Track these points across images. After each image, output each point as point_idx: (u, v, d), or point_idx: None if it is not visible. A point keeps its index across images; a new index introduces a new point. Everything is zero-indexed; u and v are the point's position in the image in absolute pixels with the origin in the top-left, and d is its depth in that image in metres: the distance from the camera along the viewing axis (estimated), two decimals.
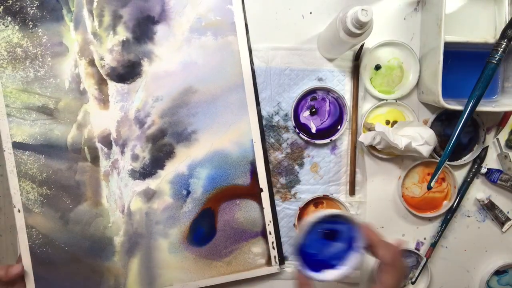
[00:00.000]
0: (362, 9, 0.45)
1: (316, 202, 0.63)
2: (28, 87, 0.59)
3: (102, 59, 0.59)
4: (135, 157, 0.60)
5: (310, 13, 0.61)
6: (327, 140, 0.61)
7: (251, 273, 0.62)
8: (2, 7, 0.58)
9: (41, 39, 0.58)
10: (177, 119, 0.60)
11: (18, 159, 0.59)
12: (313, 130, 0.62)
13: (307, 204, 0.62)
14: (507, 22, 0.53)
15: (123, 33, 0.59)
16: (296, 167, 0.63)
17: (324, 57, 0.61)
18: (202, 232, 0.61)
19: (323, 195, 0.61)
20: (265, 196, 0.61)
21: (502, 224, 0.64)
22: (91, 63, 0.59)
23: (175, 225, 0.61)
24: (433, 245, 0.63)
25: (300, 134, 0.61)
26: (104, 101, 0.60)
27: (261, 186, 0.61)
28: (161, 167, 0.61)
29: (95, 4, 0.59)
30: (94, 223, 0.60)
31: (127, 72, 0.60)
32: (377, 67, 0.61)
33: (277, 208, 0.63)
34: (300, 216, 0.62)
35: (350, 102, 0.62)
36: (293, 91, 0.62)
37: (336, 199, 0.61)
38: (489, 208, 0.63)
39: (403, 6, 0.62)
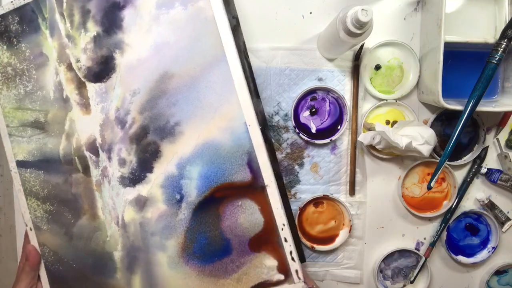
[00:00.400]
0: (362, 9, 0.45)
1: (316, 202, 0.63)
2: (21, 104, 0.58)
3: (78, 61, 0.56)
4: (122, 162, 0.56)
5: (310, 13, 0.61)
6: (327, 140, 0.61)
7: None
8: None
9: (25, 54, 0.57)
10: (158, 112, 0.54)
11: (22, 178, 0.58)
12: (313, 130, 0.62)
13: (307, 204, 0.62)
14: (507, 22, 0.53)
15: (93, 29, 0.55)
16: (296, 167, 0.63)
17: (324, 57, 0.61)
18: (203, 243, 0.53)
19: (323, 195, 0.61)
20: (272, 192, 0.50)
21: (502, 224, 0.64)
22: (69, 67, 0.57)
23: (172, 236, 0.54)
24: (432, 245, 0.63)
25: (300, 134, 0.61)
26: (85, 105, 0.57)
27: (265, 181, 0.50)
28: (150, 170, 0.55)
29: (64, 5, 0.56)
30: (94, 237, 0.57)
31: (102, 70, 0.56)
32: (377, 67, 0.61)
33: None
34: (300, 216, 0.62)
35: (350, 102, 0.62)
36: (293, 91, 0.62)
37: (337, 199, 0.61)
38: (489, 208, 0.63)
39: (403, 6, 0.62)
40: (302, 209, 0.62)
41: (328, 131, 0.61)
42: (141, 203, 0.55)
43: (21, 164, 0.58)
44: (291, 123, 0.61)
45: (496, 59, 0.52)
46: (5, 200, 0.62)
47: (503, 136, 0.63)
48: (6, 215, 0.62)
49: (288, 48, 0.61)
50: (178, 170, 0.53)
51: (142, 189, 0.55)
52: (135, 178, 0.55)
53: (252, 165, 0.51)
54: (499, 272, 0.65)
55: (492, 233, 0.64)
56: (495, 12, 0.59)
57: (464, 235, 0.64)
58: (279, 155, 0.62)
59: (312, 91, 0.61)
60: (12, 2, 0.57)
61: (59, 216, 0.58)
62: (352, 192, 0.63)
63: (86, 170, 0.57)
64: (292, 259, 0.50)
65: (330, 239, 0.63)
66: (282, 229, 0.50)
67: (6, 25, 0.57)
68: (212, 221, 0.53)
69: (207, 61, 0.51)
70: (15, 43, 0.57)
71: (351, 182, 0.63)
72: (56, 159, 0.57)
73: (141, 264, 0.56)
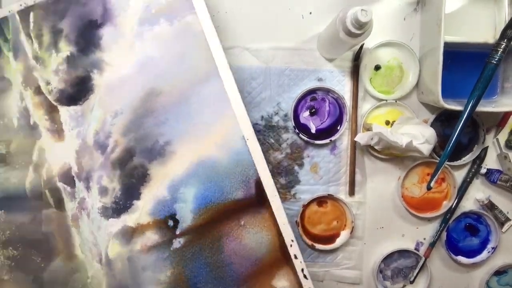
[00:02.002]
0: (362, 9, 0.45)
1: (320, 201, 0.63)
2: None
3: (48, 83, 0.52)
4: (103, 191, 0.51)
5: (310, 13, 0.61)
6: (327, 141, 0.61)
7: None
8: None
9: None
10: (144, 133, 0.50)
11: None
12: (313, 131, 0.62)
13: (311, 202, 0.62)
14: (507, 22, 0.53)
15: (66, 48, 0.52)
16: (296, 167, 0.63)
17: (324, 57, 0.61)
18: (205, 272, 0.48)
19: (328, 194, 0.61)
20: (277, 207, 0.47)
21: (501, 224, 0.64)
22: (37, 91, 0.52)
23: (167, 268, 0.49)
24: (432, 245, 0.63)
25: (300, 135, 0.61)
26: (58, 131, 0.52)
27: (268, 196, 0.47)
28: (137, 196, 0.50)
29: (31, 25, 0.52)
30: (72, 280, 0.51)
31: (78, 91, 0.52)
32: (377, 67, 0.61)
33: None
34: (302, 214, 0.62)
35: (349, 103, 0.62)
36: (293, 91, 0.62)
37: (341, 199, 0.61)
38: (489, 208, 0.63)
39: (402, 6, 0.62)
40: (306, 207, 0.62)
41: (328, 132, 0.61)
42: (128, 235, 0.50)
43: None
44: (290, 124, 0.61)
45: (496, 59, 0.52)
46: None
47: (503, 136, 0.63)
48: None
49: (288, 48, 0.61)
50: (170, 193, 0.49)
51: (128, 219, 0.50)
52: (119, 207, 0.50)
53: (253, 180, 0.48)
54: (498, 273, 0.65)
55: (492, 234, 0.64)
56: (495, 12, 0.59)
57: (464, 235, 0.64)
58: (279, 156, 0.62)
59: (312, 91, 0.61)
60: None
61: (25, 261, 0.51)
62: (352, 192, 0.63)
63: (59, 204, 0.51)
64: (304, 276, 0.47)
65: (330, 238, 0.63)
66: (291, 245, 0.47)
67: None
68: (213, 246, 0.48)
69: (197, 76, 0.49)
70: None
71: (351, 183, 0.63)
72: (21, 195, 0.51)
73: None
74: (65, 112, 0.52)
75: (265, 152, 0.62)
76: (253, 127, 0.59)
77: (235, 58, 0.61)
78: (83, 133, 0.51)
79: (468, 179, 0.63)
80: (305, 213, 0.62)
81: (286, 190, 0.63)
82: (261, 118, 0.62)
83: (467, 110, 0.53)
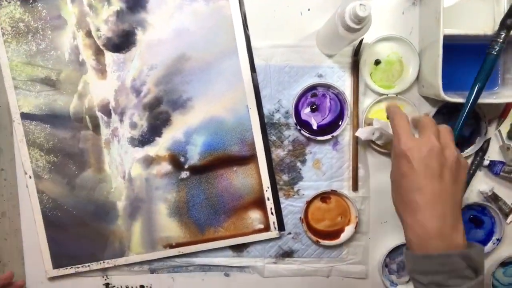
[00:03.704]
0: (360, 4, 0.45)
1: (323, 197, 0.63)
2: (32, 60, 0.61)
3: (98, 30, 0.60)
4: (133, 125, 0.62)
5: (308, 10, 0.61)
6: (329, 136, 0.61)
7: (250, 238, 0.63)
8: None
9: (41, 13, 0.60)
10: (172, 87, 0.61)
11: (26, 129, 0.62)
12: (314, 127, 0.62)
13: (314, 198, 0.62)
14: (506, 11, 0.53)
15: (117, 4, 0.60)
16: (298, 164, 0.63)
17: (324, 54, 0.61)
18: (201, 198, 0.62)
19: (331, 190, 0.62)
20: (261, 161, 0.62)
21: (506, 215, 0.64)
22: (88, 34, 0.61)
23: (174, 191, 0.62)
24: None
25: (302, 131, 0.61)
26: (102, 71, 0.61)
27: (257, 152, 0.61)
28: (159, 134, 0.62)
29: None
30: (98, 188, 0.62)
31: (122, 42, 0.61)
32: (377, 62, 0.61)
33: (281, 205, 0.63)
34: (306, 210, 0.62)
35: (350, 98, 0.62)
36: (293, 88, 0.62)
37: (344, 195, 0.62)
38: (492, 200, 0.63)
39: (401, 0, 0.62)
40: (309, 203, 0.62)
41: (330, 127, 0.61)
42: (148, 162, 0.62)
43: (26, 116, 0.62)
44: (292, 120, 0.61)
45: (496, 50, 0.52)
46: (9, 204, 0.63)
47: (505, 127, 0.63)
48: (11, 219, 0.63)
49: (287, 45, 0.61)
50: (185, 137, 0.62)
51: (150, 150, 0.62)
52: (144, 140, 0.62)
53: (248, 140, 0.62)
54: (504, 264, 0.65)
55: (497, 225, 0.63)
56: (493, 4, 0.59)
57: (468, 227, 0.64)
58: (281, 153, 0.63)
59: (312, 88, 0.61)
60: None
61: (63, 167, 0.62)
62: (355, 187, 0.63)
63: (96, 128, 0.62)
64: (272, 213, 0.63)
65: (335, 234, 0.63)
66: (267, 190, 0.62)
67: None
68: (210, 181, 0.62)
69: (221, 51, 0.60)
70: (31, 1, 0.60)
71: (354, 178, 0.63)
72: (65, 116, 0.61)
73: (143, 213, 0.63)
74: (110, 57, 0.61)
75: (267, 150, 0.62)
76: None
77: None
78: (123, 77, 0.61)
79: (471, 171, 0.63)
80: (309, 210, 0.63)
81: (289, 187, 0.63)
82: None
83: (470, 102, 0.53)
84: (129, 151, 0.62)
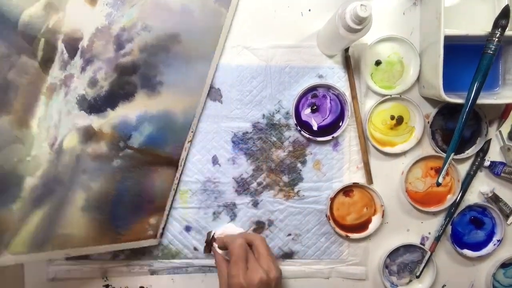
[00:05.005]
0: (361, 5, 0.45)
1: (346, 191, 0.63)
2: None
3: None
4: (93, 82, 0.49)
5: (309, 10, 0.61)
6: (329, 137, 0.61)
7: (134, 244, 0.58)
8: None
9: None
10: (153, 62, 0.54)
11: None
12: (315, 128, 0.62)
13: (337, 194, 0.62)
14: (500, 11, 0.52)
15: None
16: (299, 165, 0.63)
17: (324, 54, 0.61)
18: (125, 195, 0.55)
19: (353, 183, 0.61)
20: (179, 173, 0.59)
21: (507, 217, 0.64)
22: None
23: (99, 179, 0.52)
24: (438, 239, 0.63)
25: (302, 132, 0.60)
26: None
27: (180, 161, 0.58)
28: (113, 107, 0.52)
29: None
30: (8, 149, 0.43)
31: None
32: (378, 63, 0.61)
33: (280, 207, 0.63)
34: (331, 206, 0.62)
35: (350, 98, 0.62)
36: (294, 89, 0.61)
37: (367, 186, 0.61)
38: (493, 201, 0.63)
39: (402, 1, 0.61)
40: (333, 200, 0.62)
41: (330, 128, 0.61)
42: (87, 135, 0.50)
43: None
44: (292, 121, 0.61)
45: (492, 49, 0.52)
46: None
47: (506, 128, 0.63)
48: None
49: (288, 46, 0.61)
50: (137, 121, 0.54)
51: (95, 121, 0.51)
52: (95, 106, 0.50)
53: (180, 145, 0.58)
54: (505, 265, 0.64)
55: (497, 226, 0.63)
56: (495, 5, 0.59)
57: (469, 228, 0.64)
58: (281, 154, 0.62)
59: (313, 89, 0.61)
60: None
61: None
62: (370, 181, 0.63)
63: (46, 63, 0.45)
64: (165, 220, 0.60)
65: (363, 226, 0.63)
66: (174, 197, 0.60)
67: None
68: (136, 178, 0.56)
69: (202, 51, 0.57)
70: None
71: (368, 171, 0.62)
72: (10, 23, 0.42)
73: (54, 200, 0.48)
74: None
75: (268, 150, 0.62)
76: (255, 125, 0.62)
77: (235, 57, 0.61)
78: (113, 18, 0.51)
79: (472, 172, 0.63)
80: (333, 206, 0.62)
81: (289, 188, 0.63)
82: (263, 117, 0.62)
83: (469, 102, 0.53)
84: (73, 112, 0.48)
